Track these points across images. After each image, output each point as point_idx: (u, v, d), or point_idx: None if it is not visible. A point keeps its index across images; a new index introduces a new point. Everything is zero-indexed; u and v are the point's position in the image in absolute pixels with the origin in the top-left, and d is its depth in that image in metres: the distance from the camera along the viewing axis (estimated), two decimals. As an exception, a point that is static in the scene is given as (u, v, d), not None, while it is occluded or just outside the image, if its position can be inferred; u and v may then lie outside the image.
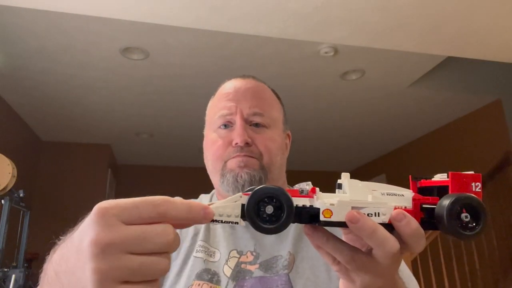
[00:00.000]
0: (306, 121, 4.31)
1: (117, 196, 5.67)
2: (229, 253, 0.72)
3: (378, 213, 0.38)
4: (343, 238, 0.43)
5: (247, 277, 0.68)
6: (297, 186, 0.40)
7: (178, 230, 0.64)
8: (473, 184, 0.40)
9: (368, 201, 0.39)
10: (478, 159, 3.89)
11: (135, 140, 4.81)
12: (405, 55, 2.85)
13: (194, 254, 0.72)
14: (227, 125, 0.77)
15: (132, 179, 5.75)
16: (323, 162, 6.04)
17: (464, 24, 2.35)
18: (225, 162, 0.75)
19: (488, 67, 3.34)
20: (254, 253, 0.72)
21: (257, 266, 0.70)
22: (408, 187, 0.43)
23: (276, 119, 0.80)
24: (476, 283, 3.24)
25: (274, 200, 0.37)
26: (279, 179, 0.79)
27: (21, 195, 2.89)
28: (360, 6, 2.17)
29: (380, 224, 0.38)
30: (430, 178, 0.43)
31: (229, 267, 0.70)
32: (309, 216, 0.38)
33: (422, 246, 0.39)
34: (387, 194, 0.40)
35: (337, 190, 0.41)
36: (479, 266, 3.23)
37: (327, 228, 0.40)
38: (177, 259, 0.72)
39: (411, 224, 0.38)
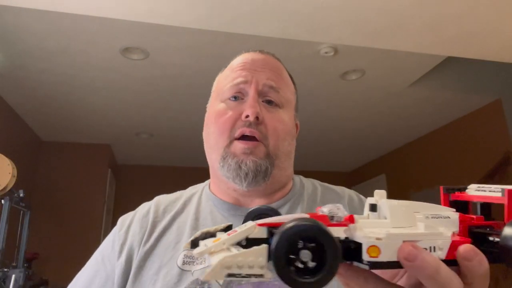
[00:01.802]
0: (306, 121, 4.31)
1: (117, 196, 5.69)
2: None
3: (435, 247, 0.30)
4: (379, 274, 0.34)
5: (243, 282, 0.63)
6: (325, 209, 0.32)
7: (165, 237, 0.66)
8: None
9: (421, 232, 0.30)
10: (478, 159, 3.89)
11: (135, 140, 4.81)
12: (405, 55, 2.85)
13: (180, 265, 0.65)
14: (238, 96, 0.71)
15: (132, 179, 5.74)
16: (323, 162, 6.04)
17: (464, 24, 2.35)
18: (230, 141, 0.68)
19: (488, 67, 3.34)
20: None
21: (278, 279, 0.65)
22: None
23: (290, 100, 0.74)
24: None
25: (311, 242, 0.27)
26: (287, 168, 0.74)
27: (21, 195, 2.89)
28: (360, 6, 2.17)
29: None
30: (464, 189, 0.37)
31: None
32: (345, 253, 0.29)
33: (487, 285, 0.32)
34: (431, 217, 0.32)
35: (369, 212, 0.33)
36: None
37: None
38: (159, 273, 0.65)
39: (484, 264, 0.30)
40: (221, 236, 0.30)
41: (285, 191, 0.76)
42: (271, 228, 0.29)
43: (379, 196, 0.33)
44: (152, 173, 5.76)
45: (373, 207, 0.33)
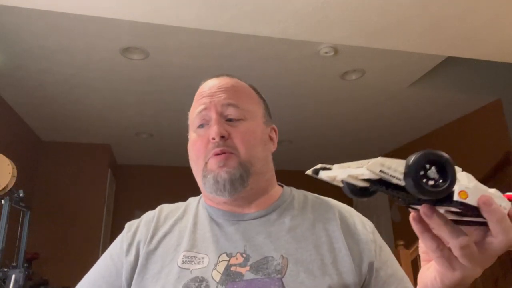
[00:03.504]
0: (306, 121, 4.31)
1: (117, 196, 5.68)
2: (219, 257, 0.70)
3: (502, 206, 0.41)
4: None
5: (237, 280, 0.67)
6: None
7: (164, 241, 0.75)
8: None
9: (494, 193, 0.41)
10: (478, 159, 3.89)
11: (135, 140, 4.81)
12: (405, 55, 2.85)
13: (180, 265, 0.70)
14: (204, 124, 0.77)
15: (132, 179, 5.75)
16: (323, 162, 6.01)
17: (464, 24, 2.35)
18: (206, 163, 0.75)
19: (488, 67, 3.34)
20: (244, 255, 0.70)
21: (247, 268, 0.68)
22: None
23: (253, 111, 0.79)
24: (476, 283, 3.24)
25: (438, 165, 0.38)
26: (265, 172, 0.78)
27: (21, 195, 2.88)
28: (360, 6, 2.17)
29: None
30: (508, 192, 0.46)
31: (218, 272, 0.68)
32: (438, 200, 0.40)
33: None
34: (494, 190, 0.42)
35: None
36: (479, 266, 3.23)
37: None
38: (161, 272, 0.70)
39: None
40: (336, 168, 0.43)
41: (273, 197, 0.80)
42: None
43: (458, 170, 0.42)
44: (152, 173, 5.76)
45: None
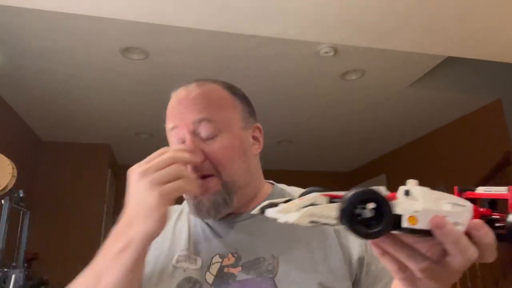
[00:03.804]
0: (306, 121, 4.31)
1: (117, 196, 5.66)
2: (211, 259, 0.70)
3: (458, 223, 0.38)
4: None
5: (230, 281, 0.67)
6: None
7: (158, 241, 0.73)
8: None
9: (449, 210, 0.39)
10: (478, 159, 3.89)
11: (135, 140, 4.81)
12: (405, 55, 2.85)
13: (174, 264, 0.71)
14: (182, 141, 0.73)
15: (132, 179, 5.74)
16: (323, 162, 6.04)
17: (464, 24, 2.35)
18: None
19: (488, 67, 3.34)
20: (235, 255, 0.70)
21: (239, 268, 0.69)
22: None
23: (228, 119, 0.74)
24: (476, 283, 3.24)
25: (374, 203, 0.36)
26: (249, 182, 0.76)
27: (21, 195, 2.88)
28: (360, 6, 2.17)
29: None
30: (473, 190, 0.45)
31: (211, 274, 0.68)
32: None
33: (495, 256, 0.40)
34: (453, 204, 0.40)
35: (403, 196, 0.40)
36: (479, 266, 3.23)
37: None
38: (154, 270, 0.71)
39: (489, 234, 0.39)
40: (283, 206, 0.39)
41: (263, 194, 0.80)
42: (332, 198, 0.38)
43: (412, 183, 0.41)
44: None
45: (407, 192, 0.40)
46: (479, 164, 3.75)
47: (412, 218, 0.37)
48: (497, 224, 0.40)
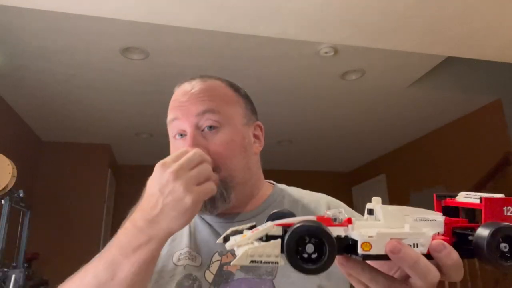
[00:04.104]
0: (306, 121, 4.31)
1: (117, 196, 5.66)
2: (212, 257, 0.70)
3: (417, 244, 0.37)
4: (373, 265, 0.41)
5: (229, 280, 0.67)
6: (329, 213, 0.39)
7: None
8: (505, 208, 0.39)
9: (406, 231, 0.37)
10: (478, 159, 3.89)
11: (135, 140, 4.81)
12: (405, 55, 2.85)
13: (175, 261, 0.71)
14: (182, 134, 0.74)
15: (132, 179, 5.73)
16: (323, 162, 6.04)
17: (464, 24, 2.35)
18: None
19: (488, 67, 3.34)
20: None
21: (238, 267, 0.69)
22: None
23: (231, 114, 0.74)
24: (476, 283, 3.24)
25: (314, 238, 0.35)
26: (248, 180, 0.75)
27: (21, 195, 2.88)
28: (360, 6, 2.17)
29: None
30: (455, 196, 0.43)
31: (211, 272, 0.68)
32: (346, 248, 0.37)
33: (461, 276, 0.38)
34: (419, 220, 0.39)
35: (367, 216, 0.40)
36: (479, 266, 3.23)
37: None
38: (155, 267, 0.69)
39: (452, 255, 0.37)
40: (247, 233, 0.38)
41: (263, 195, 0.79)
42: (285, 227, 0.37)
43: (375, 202, 0.40)
44: (152, 173, 5.76)
45: (370, 211, 0.40)
46: (479, 164, 3.75)
47: (365, 244, 0.36)
48: (470, 238, 0.38)
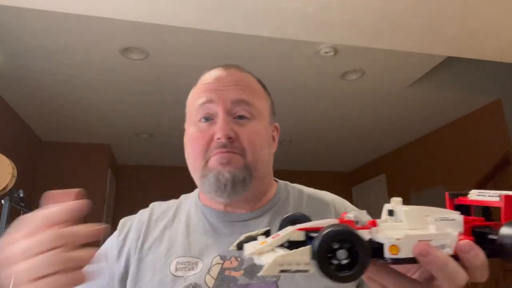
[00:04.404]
0: (306, 121, 4.31)
1: (117, 196, 5.65)
2: (212, 261, 0.68)
3: (444, 245, 0.36)
4: (398, 268, 0.40)
5: (231, 285, 0.65)
6: (350, 215, 0.37)
7: (156, 244, 0.71)
8: None
9: (433, 232, 0.36)
10: (478, 159, 3.89)
11: (135, 140, 4.81)
12: (405, 55, 2.85)
13: (173, 272, 0.68)
14: (208, 118, 0.71)
15: (132, 179, 5.74)
16: (323, 162, 6.04)
17: (464, 24, 2.35)
18: (207, 161, 0.70)
19: (488, 67, 3.34)
20: (239, 258, 0.67)
21: (241, 272, 0.66)
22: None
23: (261, 109, 0.74)
24: (476, 283, 3.24)
25: (346, 243, 0.33)
26: (266, 176, 0.75)
27: (21, 195, 2.88)
28: (360, 7, 2.17)
29: None
30: (466, 194, 0.42)
31: (211, 277, 0.66)
32: (372, 252, 0.35)
33: (486, 276, 0.37)
34: (440, 220, 0.37)
35: (387, 217, 0.38)
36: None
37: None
38: (152, 280, 0.67)
39: (479, 256, 0.36)
40: (264, 239, 0.37)
41: (268, 196, 0.78)
42: (308, 232, 0.35)
43: (395, 203, 0.38)
44: (152, 173, 5.76)
45: (391, 212, 0.38)
46: (479, 164, 3.75)
47: (393, 248, 0.34)
48: (490, 237, 0.37)
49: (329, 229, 0.33)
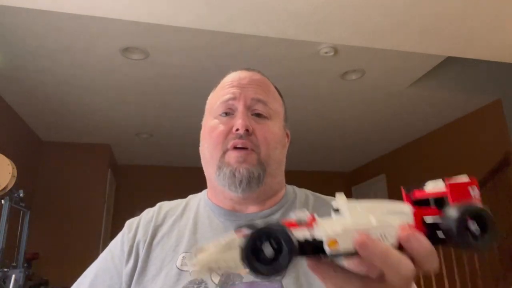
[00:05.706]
0: (306, 121, 4.31)
1: (117, 196, 5.66)
2: None
3: (385, 235, 0.35)
4: (346, 265, 0.39)
5: (236, 282, 0.66)
6: (293, 216, 0.37)
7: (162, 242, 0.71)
8: (470, 189, 0.38)
9: (373, 225, 0.35)
10: (478, 159, 3.89)
11: (135, 140, 4.81)
12: (405, 55, 2.85)
13: (179, 266, 0.69)
14: (228, 112, 0.75)
15: (132, 179, 5.75)
16: (323, 162, 6.04)
17: (464, 24, 2.35)
18: (224, 152, 0.72)
19: (488, 67, 3.35)
20: None
21: (247, 270, 0.67)
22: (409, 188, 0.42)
23: (278, 111, 0.79)
24: (476, 283, 3.24)
25: (272, 239, 0.33)
26: (278, 175, 0.77)
27: (21, 195, 2.89)
28: (360, 6, 2.17)
29: None
30: (422, 186, 0.41)
31: (217, 274, 0.67)
32: (313, 249, 0.34)
33: (435, 264, 0.36)
34: (387, 213, 0.37)
35: (333, 214, 0.38)
36: (479, 266, 3.23)
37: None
38: (159, 274, 0.69)
39: (422, 242, 0.35)
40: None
41: (277, 198, 0.80)
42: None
43: (340, 198, 0.38)
44: (152, 173, 5.76)
45: (336, 210, 0.38)
46: (479, 164, 3.75)
47: (332, 242, 0.33)
48: (439, 225, 0.36)
49: (256, 228, 0.33)
